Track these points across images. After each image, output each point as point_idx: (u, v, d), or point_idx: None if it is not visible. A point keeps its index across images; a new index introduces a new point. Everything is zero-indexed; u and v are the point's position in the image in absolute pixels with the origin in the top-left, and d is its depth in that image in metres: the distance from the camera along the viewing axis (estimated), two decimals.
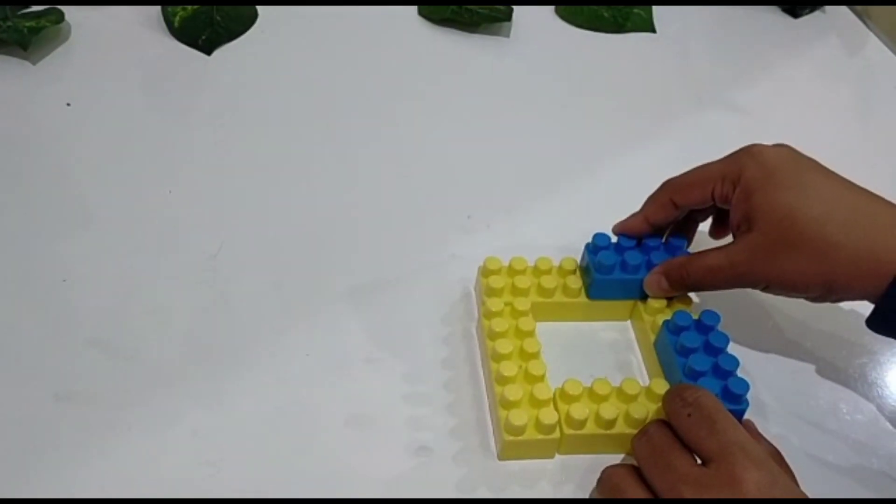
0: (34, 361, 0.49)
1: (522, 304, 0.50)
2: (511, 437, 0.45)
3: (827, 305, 0.56)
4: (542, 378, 0.46)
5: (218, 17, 0.73)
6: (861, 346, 0.54)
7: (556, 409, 0.46)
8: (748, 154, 0.48)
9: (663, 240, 0.53)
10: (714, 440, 0.39)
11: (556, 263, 0.53)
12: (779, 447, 0.48)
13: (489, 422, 0.48)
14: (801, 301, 0.57)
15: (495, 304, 0.50)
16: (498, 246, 0.56)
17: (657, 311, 0.51)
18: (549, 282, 0.51)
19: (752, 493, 0.37)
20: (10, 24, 0.69)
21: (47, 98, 0.66)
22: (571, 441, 0.45)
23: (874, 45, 0.81)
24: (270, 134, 0.66)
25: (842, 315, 0.56)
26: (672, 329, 0.48)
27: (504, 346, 0.47)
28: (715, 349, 0.46)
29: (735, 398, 0.45)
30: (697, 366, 0.45)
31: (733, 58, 0.79)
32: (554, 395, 0.46)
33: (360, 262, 0.56)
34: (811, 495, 0.46)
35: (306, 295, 0.54)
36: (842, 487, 0.47)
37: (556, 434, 0.45)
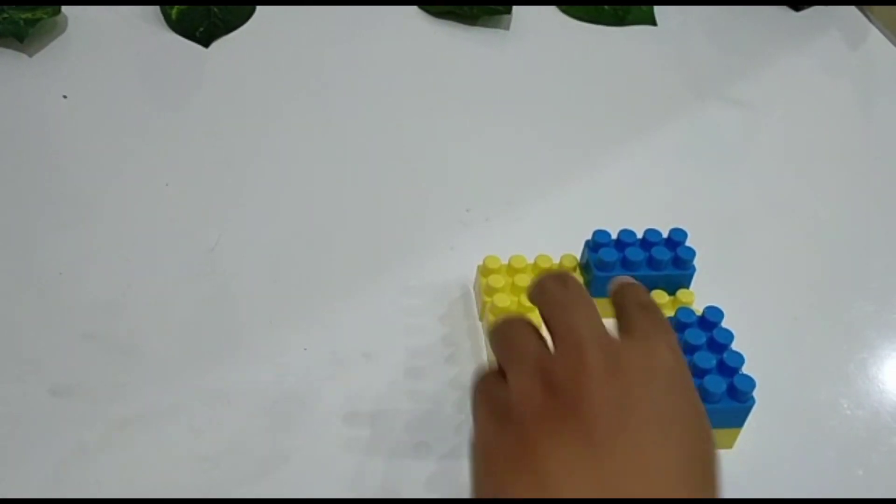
0: (30, 355, 0.49)
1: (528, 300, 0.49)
2: None
3: (829, 301, 0.56)
4: None
5: (216, 10, 0.73)
6: (862, 341, 0.54)
7: None
8: None
9: (665, 235, 0.52)
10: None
11: (556, 261, 0.52)
12: (780, 443, 0.48)
13: None
14: (804, 298, 0.57)
15: (501, 300, 0.49)
16: (497, 240, 0.55)
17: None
18: None
19: None
20: (6, 15, 0.68)
21: (43, 90, 0.66)
22: None
23: (876, 38, 0.81)
24: (268, 126, 0.65)
25: (843, 310, 0.56)
26: (675, 326, 0.48)
27: None
28: (719, 346, 0.46)
29: (741, 395, 0.44)
30: (702, 363, 0.45)
31: (734, 51, 0.78)
32: None
33: (358, 255, 0.56)
34: (812, 493, 0.46)
35: (304, 289, 0.54)
36: (843, 484, 0.47)
37: None
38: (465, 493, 0.44)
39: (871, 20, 0.83)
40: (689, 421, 0.34)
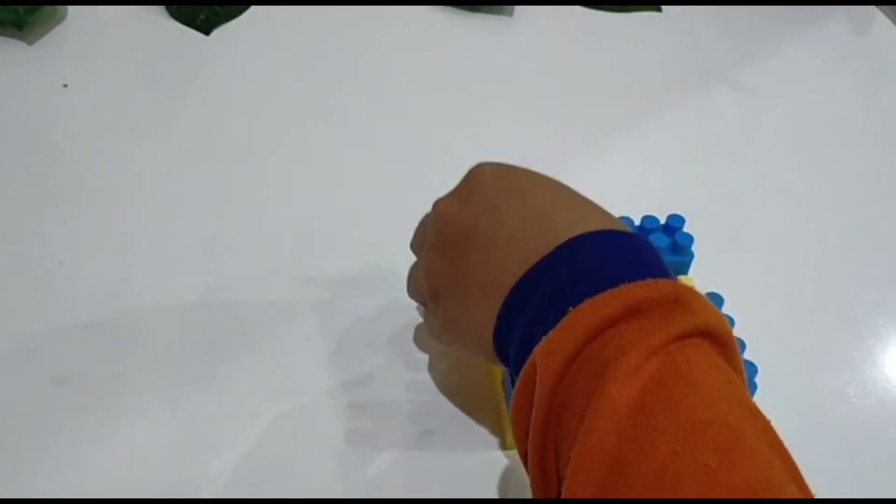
0: (31, 345, 0.49)
1: None
2: None
3: (833, 288, 0.56)
4: None
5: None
6: (869, 328, 0.54)
7: None
8: None
9: (662, 221, 0.52)
10: None
11: None
12: (785, 431, 0.47)
13: (496, 409, 0.47)
14: (806, 285, 0.56)
15: None
16: None
17: None
18: None
19: None
20: (5, 4, 0.68)
21: (44, 79, 0.66)
22: None
23: (882, 23, 0.80)
24: (269, 115, 0.65)
25: (847, 297, 0.56)
26: None
27: None
28: None
29: None
30: None
31: (738, 37, 0.78)
32: None
33: (360, 246, 0.56)
34: (817, 481, 0.46)
35: (306, 278, 0.53)
36: (849, 472, 0.46)
37: None
38: (470, 483, 0.44)
39: (877, 6, 0.82)
40: (538, 183, 0.43)
